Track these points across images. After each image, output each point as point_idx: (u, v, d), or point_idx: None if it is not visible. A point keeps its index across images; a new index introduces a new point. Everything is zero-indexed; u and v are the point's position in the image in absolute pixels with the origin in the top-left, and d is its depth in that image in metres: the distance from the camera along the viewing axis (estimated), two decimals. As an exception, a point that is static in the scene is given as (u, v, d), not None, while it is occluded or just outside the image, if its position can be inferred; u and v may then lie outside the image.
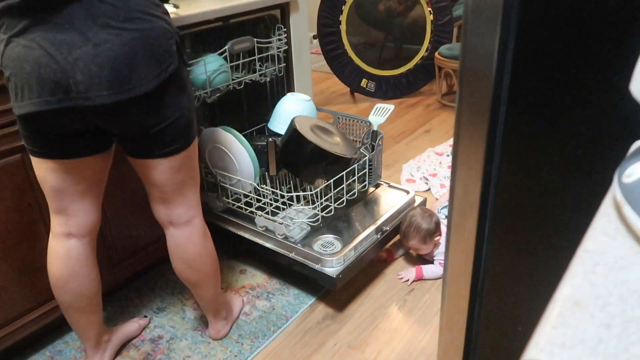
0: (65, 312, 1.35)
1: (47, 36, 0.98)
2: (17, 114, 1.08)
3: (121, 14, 1.01)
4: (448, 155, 2.67)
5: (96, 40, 0.99)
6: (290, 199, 1.79)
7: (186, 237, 1.32)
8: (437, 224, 1.79)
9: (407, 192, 1.92)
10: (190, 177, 1.27)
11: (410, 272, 1.79)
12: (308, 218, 1.72)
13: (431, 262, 1.85)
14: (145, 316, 1.67)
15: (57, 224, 1.26)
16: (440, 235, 1.80)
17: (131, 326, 1.59)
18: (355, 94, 3.62)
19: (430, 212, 1.81)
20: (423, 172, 2.48)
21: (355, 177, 1.77)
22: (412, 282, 1.78)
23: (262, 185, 1.74)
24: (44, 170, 1.17)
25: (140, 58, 1.03)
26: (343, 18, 3.39)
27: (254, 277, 1.83)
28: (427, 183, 2.41)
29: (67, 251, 1.27)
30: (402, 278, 1.80)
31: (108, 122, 1.11)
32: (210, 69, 1.64)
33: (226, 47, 1.67)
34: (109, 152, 1.25)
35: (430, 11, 3.30)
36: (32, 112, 1.03)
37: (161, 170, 1.20)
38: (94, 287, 1.33)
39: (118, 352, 1.54)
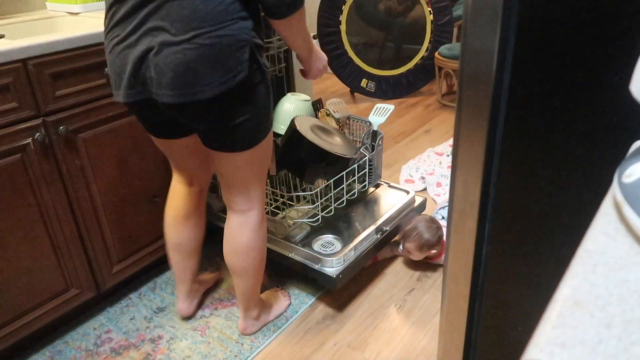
0: (172, 253, 1.53)
1: (126, 33, 1.08)
2: (115, 101, 1.21)
3: (190, 24, 1.03)
4: (448, 155, 2.67)
5: (168, 42, 1.05)
6: (290, 199, 1.79)
7: (240, 224, 1.38)
8: (440, 239, 1.77)
9: (407, 192, 1.93)
10: (253, 175, 1.33)
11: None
12: (308, 218, 1.72)
13: (435, 265, 1.85)
14: (218, 269, 1.86)
15: (178, 176, 1.47)
16: (438, 249, 1.79)
17: (211, 276, 1.78)
18: (355, 94, 3.62)
19: (437, 225, 1.80)
20: (422, 172, 2.48)
21: (355, 177, 1.77)
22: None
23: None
24: (156, 142, 1.37)
25: (207, 65, 1.06)
26: (343, 18, 3.39)
27: (254, 277, 1.83)
28: (424, 182, 2.41)
29: (186, 194, 1.47)
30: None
31: (177, 116, 1.18)
32: None
33: None
34: (192, 138, 1.36)
35: (430, 11, 3.30)
36: (123, 101, 1.16)
37: (226, 163, 1.28)
38: (199, 233, 1.52)
39: (118, 352, 1.54)
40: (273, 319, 1.64)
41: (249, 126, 1.20)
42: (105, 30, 1.14)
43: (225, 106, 1.13)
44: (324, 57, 1.40)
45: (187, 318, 1.65)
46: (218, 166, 1.30)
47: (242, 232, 1.38)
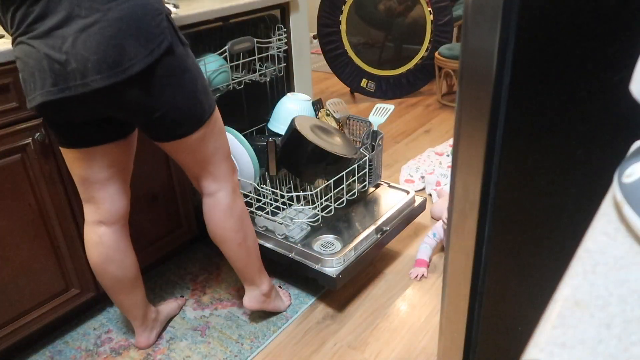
0: (109, 295, 1.42)
1: (41, 30, 1.02)
2: (29, 107, 1.10)
3: None
4: (448, 155, 2.67)
5: (82, 26, 1.00)
6: (290, 199, 1.79)
7: (211, 207, 1.37)
8: None
9: (407, 192, 1.92)
10: (211, 154, 1.28)
11: (418, 270, 1.82)
12: (308, 218, 1.72)
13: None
14: (182, 296, 1.75)
15: (88, 213, 1.32)
16: None
17: (172, 305, 1.67)
18: (355, 94, 3.62)
19: None
20: (422, 172, 2.48)
21: (355, 177, 1.77)
22: (424, 275, 1.81)
23: (262, 185, 1.74)
24: (70, 159, 1.22)
25: (129, 37, 1.02)
26: (343, 18, 3.39)
27: (254, 277, 1.83)
28: (424, 182, 2.41)
29: (99, 238, 1.32)
30: (416, 277, 1.82)
31: (109, 109, 1.11)
32: (210, 69, 1.64)
33: (226, 47, 1.67)
34: (128, 140, 1.27)
35: (430, 11, 3.30)
36: (40, 103, 1.06)
37: (178, 152, 1.24)
38: (131, 271, 1.39)
39: (118, 352, 1.54)
40: (273, 309, 1.63)
41: (188, 105, 1.15)
42: (13, 33, 1.06)
43: (160, 83, 1.08)
44: None
45: (186, 319, 1.65)
46: (174, 157, 1.28)
47: (214, 215, 1.37)
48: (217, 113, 1.27)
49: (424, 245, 1.89)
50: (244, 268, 1.48)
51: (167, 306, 1.65)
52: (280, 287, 1.77)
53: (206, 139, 1.25)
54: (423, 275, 1.81)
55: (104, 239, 1.32)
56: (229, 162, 1.35)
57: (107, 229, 1.32)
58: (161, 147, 1.26)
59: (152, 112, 1.11)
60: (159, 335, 1.58)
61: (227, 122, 1.85)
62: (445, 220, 1.84)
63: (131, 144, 1.30)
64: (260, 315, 1.66)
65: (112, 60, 1.01)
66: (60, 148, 1.22)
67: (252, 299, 1.55)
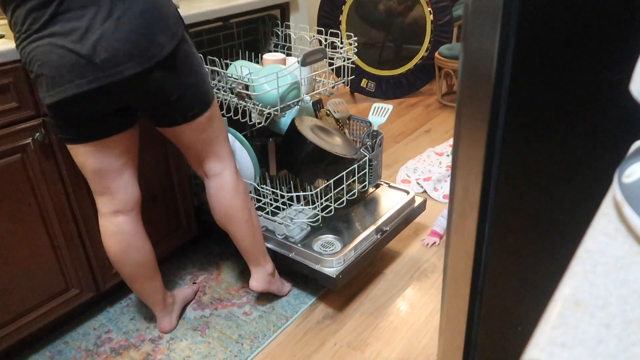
0: (130, 284, 1.46)
1: (65, 27, 1.08)
2: (49, 103, 1.15)
3: None
4: (448, 155, 2.67)
5: (109, 20, 1.09)
6: (290, 199, 1.79)
7: (217, 188, 1.43)
8: None
9: (407, 193, 1.92)
10: (216, 135, 1.38)
11: (430, 238, 1.97)
12: (308, 218, 1.72)
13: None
14: (194, 282, 1.80)
15: (103, 204, 1.35)
16: None
17: (188, 290, 1.72)
18: (355, 93, 3.62)
19: None
20: (419, 174, 2.48)
21: (355, 177, 1.77)
22: (435, 244, 1.96)
23: (262, 185, 1.74)
24: (82, 154, 1.26)
25: (154, 26, 1.13)
26: (343, 18, 3.39)
27: (254, 277, 1.83)
28: (421, 187, 2.41)
29: (117, 228, 1.37)
30: (427, 244, 1.96)
31: (134, 96, 1.19)
32: (283, 83, 1.50)
33: (297, 60, 1.54)
34: (136, 128, 1.34)
35: (430, 11, 3.30)
36: (67, 97, 1.11)
37: (188, 134, 1.32)
38: (150, 255, 1.44)
39: (118, 352, 1.54)
40: (276, 289, 1.68)
41: (202, 85, 1.27)
42: (28, 32, 1.10)
43: (179, 66, 1.19)
44: None
45: (186, 319, 1.65)
46: (182, 141, 1.35)
47: (221, 193, 1.43)
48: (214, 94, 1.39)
49: (440, 218, 1.99)
50: (252, 246, 1.53)
51: (182, 292, 1.70)
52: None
53: (212, 120, 1.34)
54: (435, 243, 1.93)
55: (122, 227, 1.37)
56: (228, 143, 1.44)
57: (124, 217, 1.37)
58: (168, 132, 1.33)
59: (171, 95, 1.21)
60: (179, 319, 1.64)
61: (227, 122, 1.85)
62: None
63: (137, 132, 1.36)
64: (260, 315, 1.66)
65: (142, 48, 1.12)
66: (70, 146, 1.26)
67: (259, 279, 1.59)
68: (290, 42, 1.96)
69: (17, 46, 1.15)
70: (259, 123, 1.54)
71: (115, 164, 1.30)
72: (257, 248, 1.55)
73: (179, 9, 1.26)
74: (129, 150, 1.33)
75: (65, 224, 1.44)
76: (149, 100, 1.22)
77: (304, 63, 1.53)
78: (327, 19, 3.37)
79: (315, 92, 1.70)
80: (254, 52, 2.00)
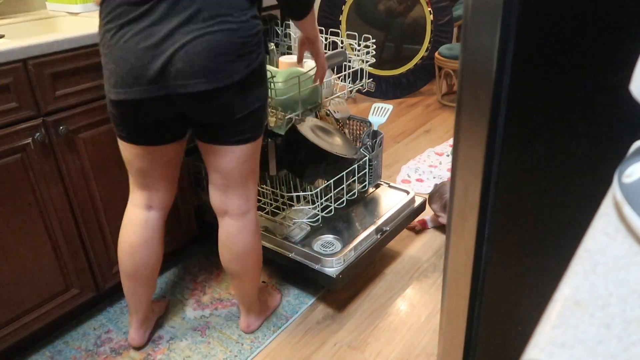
0: (126, 281, 1.43)
1: (150, 29, 1.08)
2: (113, 99, 1.16)
3: (224, 9, 1.10)
4: (448, 155, 2.67)
5: (199, 33, 1.08)
6: (290, 199, 1.79)
7: (239, 229, 1.37)
8: None
9: (407, 193, 1.93)
10: (254, 170, 1.34)
11: (415, 222, 2.03)
12: (308, 218, 1.72)
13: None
14: (164, 297, 1.75)
15: (140, 197, 1.36)
16: None
17: (161, 305, 1.68)
18: (356, 94, 3.61)
19: None
20: (420, 174, 2.48)
21: (356, 177, 1.77)
22: (424, 227, 2.07)
23: (262, 185, 1.74)
24: (130, 154, 1.28)
25: (235, 50, 1.12)
26: (343, 18, 3.39)
27: (254, 277, 1.83)
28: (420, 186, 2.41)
29: (146, 221, 1.37)
30: (414, 227, 2.07)
31: (197, 109, 1.18)
32: (304, 86, 1.48)
33: None
34: (185, 139, 1.34)
35: (430, 11, 3.30)
36: (132, 99, 1.12)
37: (231, 158, 1.27)
38: (157, 260, 1.43)
39: (118, 352, 1.54)
40: (271, 312, 1.66)
41: (260, 113, 1.25)
42: (109, 27, 1.11)
43: (247, 91, 1.18)
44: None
45: (186, 319, 1.65)
46: (220, 164, 1.29)
47: (241, 237, 1.37)
48: None
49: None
50: (253, 290, 1.50)
51: (157, 306, 1.66)
52: (264, 282, 1.78)
53: (255, 153, 1.31)
54: (423, 226, 2.06)
55: (150, 222, 1.37)
56: (257, 186, 1.40)
57: (156, 213, 1.38)
58: (211, 150, 1.28)
59: (235, 113, 1.20)
60: (151, 337, 1.58)
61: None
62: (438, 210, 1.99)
63: (184, 144, 1.36)
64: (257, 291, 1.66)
65: (216, 68, 1.11)
66: (121, 142, 1.27)
67: (251, 322, 1.58)
68: (290, 41, 1.96)
69: (99, 29, 1.15)
70: (279, 128, 1.51)
71: (159, 168, 1.31)
72: (256, 293, 1.53)
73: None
74: (174, 159, 1.34)
75: (65, 224, 1.44)
76: (213, 114, 1.19)
77: None
78: (327, 19, 3.37)
79: (334, 95, 1.68)
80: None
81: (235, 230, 1.36)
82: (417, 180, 2.44)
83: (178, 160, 1.37)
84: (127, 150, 1.28)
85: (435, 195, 2.00)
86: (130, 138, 1.24)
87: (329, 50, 1.65)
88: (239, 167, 1.29)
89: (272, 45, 1.77)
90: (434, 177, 2.44)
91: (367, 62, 1.68)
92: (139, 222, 1.37)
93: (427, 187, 2.36)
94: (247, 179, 1.33)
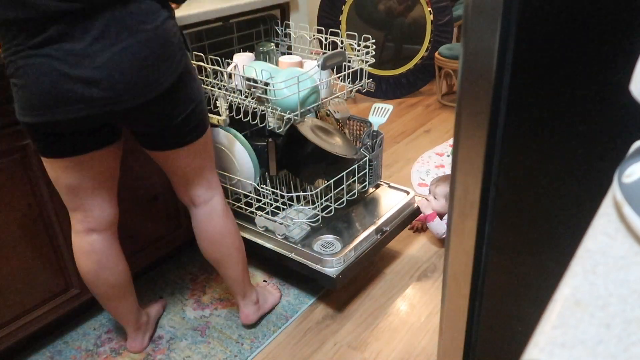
0: (102, 303, 1.41)
1: (67, 48, 1.00)
2: (27, 122, 1.06)
3: (135, 18, 1.04)
4: (448, 156, 2.67)
5: (115, 48, 1.02)
6: (290, 199, 1.79)
7: (206, 215, 1.38)
8: None
9: (407, 193, 1.93)
10: (208, 160, 1.33)
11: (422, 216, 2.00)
12: (308, 218, 1.72)
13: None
14: (161, 297, 1.74)
15: (77, 221, 1.28)
16: None
17: (157, 306, 1.67)
18: (356, 94, 3.61)
19: None
20: (432, 176, 2.49)
21: (356, 178, 1.77)
22: (419, 225, 2.07)
23: (262, 186, 1.74)
24: (57, 169, 1.18)
25: (157, 57, 1.07)
26: (343, 18, 3.39)
27: (254, 277, 1.83)
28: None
29: (90, 246, 1.30)
30: (412, 226, 2.07)
31: (130, 122, 1.15)
32: (303, 87, 1.45)
33: (318, 63, 1.49)
34: (119, 144, 1.26)
35: (430, 11, 3.30)
36: (52, 120, 1.04)
37: (180, 159, 1.26)
38: (123, 276, 1.38)
39: (118, 352, 1.54)
40: (270, 307, 1.66)
41: (200, 111, 1.23)
42: (20, 46, 1.00)
43: (177, 95, 1.14)
44: None
45: (186, 319, 1.65)
46: (172, 166, 1.28)
47: (211, 221, 1.38)
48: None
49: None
50: (241, 275, 1.49)
51: (154, 309, 1.64)
52: (265, 281, 1.79)
53: (207, 144, 1.30)
54: (423, 222, 2.04)
55: (95, 246, 1.30)
56: (215, 171, 1.40)
57: (98, 236, 1.30)
58: (158, 156, 1.27)
59: (171, 120, 1.16)
60: (151, 338, 1.58)
61: (229, 122, 1.85)
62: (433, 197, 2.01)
63: (120, 149, 1.28)
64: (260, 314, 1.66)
65: (142, 81, 1.06)
66: (45, 159, 1.17)
67: (249, 314, 1.57)
68: (290, 41, 1.97)
69: (2, 54, 1.04)
70: (278, 128, 1.51)
71: (91, 181, 1.22)
72: (245, 277, 1.51)
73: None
74: (107, 169, 1.24)
75: (65, 223, 1.44)
76: (148, 124, 1.16)
77: (324, 66, 1.49)
78: (327, 19, 3.37)
79: (333, 96, 1.68)
80: (254, 52, 1.99)
81: (203, 217, 1.38)
82: (420, 185, 2.44)
83: (112, 170, 1.26)
84: (51, 167, 1.18)
85: (442, 179, 2.05)
86: (54, 152, 1.14)
87: (329, 50, 1.65)
88: (191, 164, 1.29)
89: (272, 45, 1.77)
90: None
91: (367, 62, 1.67)
92: (84, 249, 1.30)
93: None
94: (202, 171, 1.33)
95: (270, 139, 1.71)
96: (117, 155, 1.27)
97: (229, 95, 1.55)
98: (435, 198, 2.01)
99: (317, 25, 3.34)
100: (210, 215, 1.38)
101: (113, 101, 1.05)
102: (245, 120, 1.55)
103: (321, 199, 1.69)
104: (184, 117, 1.18)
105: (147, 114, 1.12)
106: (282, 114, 1.48)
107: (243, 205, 1.77)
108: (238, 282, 1.50)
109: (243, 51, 1.97)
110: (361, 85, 1.69)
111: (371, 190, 1.96)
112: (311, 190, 1.65)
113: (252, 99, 1.51)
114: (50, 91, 1.01)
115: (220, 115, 1.52)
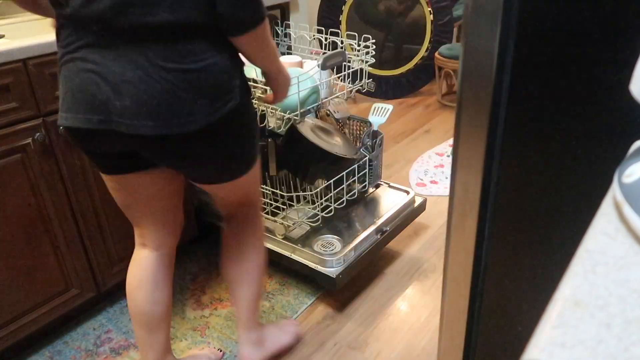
0: (135, 325, 1.29)
1: (104, 60, 0.93)
2: (60, 124, 1.02)
3: (174, 56, 0.94)
4: (448, 156, 2.67)
5: (152, 76, 0.93)
6: (290, 199, 1.79)
7: (244, 233, 1.30)
8: None
9: (407, 193, 1.93)
10: (254, 187, 1.24)
11: None
12: (308, 218, 1.72)
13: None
14: (220, 350, 1.53)
15: (136, 234, 1.25)
16: None
17: (203, 355, 1.47)
18: (355, 94, 3.62)
19: None
20: (431, 175, 2.49)
21: (356, 178, 1.77)
22: None
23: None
24: (108, 185, 1.15)
25: (194, 92, 0.95)
26: (343, 18, 3.39)
27: (254, 277, 1.83)
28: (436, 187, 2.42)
29: (139, 260, 1.25)
30: None
31: (148, 152, 1.03)
32: (303, 87, 1.46)
33: (318, 63, 1.49)
34: (161, 170, 1.14)
35: (430, 11, 3.30)
36: (74, 127, 0.99)
37: (222, 191, 1.18)
38: (159, 305, 1.26)
39: (118, 352, 1.54)
40: (275, 349, 1.47)
41: (239, 154, 1.10)
42: (68, 45, 0.97)
43: (216, 138, 1.02)
44: (288, 74, 1.19)
45: (186, 319, 1.65)
46: (213, 192, 1.21)
47: (247, 240, 1.30)
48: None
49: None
50: (258, 298, 1.37)
51: (194, 353, 1.47)
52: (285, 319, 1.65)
53: (244, 184, 1.18)
54: None
55: (143, 262, 1.24)
56: (256, 204, 1.30)
57: (150, 252, 1.24)
58: (203, 186, 1.18)
59: (200, 162, 1.05)
60: None
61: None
62: None
63: (162, 177, 1.15)
64: (261, 315, 1.66)
65: (170, 111, 0.94)
66: (101, 174, 1.15)
67: (254, 350, 1.39)
68: (290, 41, 1.96)
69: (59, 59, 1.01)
70: (278, 128, 1.51)
71: (141, 203, 1.16)
72: (256, 307, 1.37)
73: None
74: (160, 191, 1.16)
75: (65, 224, 1.44)
76: (166, 160, 1.05)
77: (324, 66, 1.48)
78: (327, 19, 3.37)
79: (333, 96, 1.67)
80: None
81: (241, 233, 1.30)
82: (432, 182, 2.44)
83: (165, 194, 1.17)
84: (106, 183, 1.15)
85: None
86: (98, 166, 1.11)
87: (329, 50, 1.65)
88: (237, 193, 1.20)
89: None
90: (446, 178, 2.45)
91: (367, 62, 1.67)
92: (133, 261, 1.26)
93: (444, 189, 2.36)
94: (248, 196, 1.24)
95: (270, 139, 1.71)
96: (166, 180, 1.16)
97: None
98: None
99: (317, 25, 3.34)
100: (248, 234, 1.31)
101: (132, 121, 0.94)
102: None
103: (321, 198, 1.69)
104: (222, 160, 1.07)
105: (168, 149, 1.00)
106: (282, 113, 1.48)
107: (243, 205, 1.77)
108: (253, 306, 1.36)
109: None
110: (361, 85, 1.69)
111: (371, 190, 1.96)
112: (311, 190, 1.65)
113: (252, 99, 1.50)
114: (79, 92, 0.96)
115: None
